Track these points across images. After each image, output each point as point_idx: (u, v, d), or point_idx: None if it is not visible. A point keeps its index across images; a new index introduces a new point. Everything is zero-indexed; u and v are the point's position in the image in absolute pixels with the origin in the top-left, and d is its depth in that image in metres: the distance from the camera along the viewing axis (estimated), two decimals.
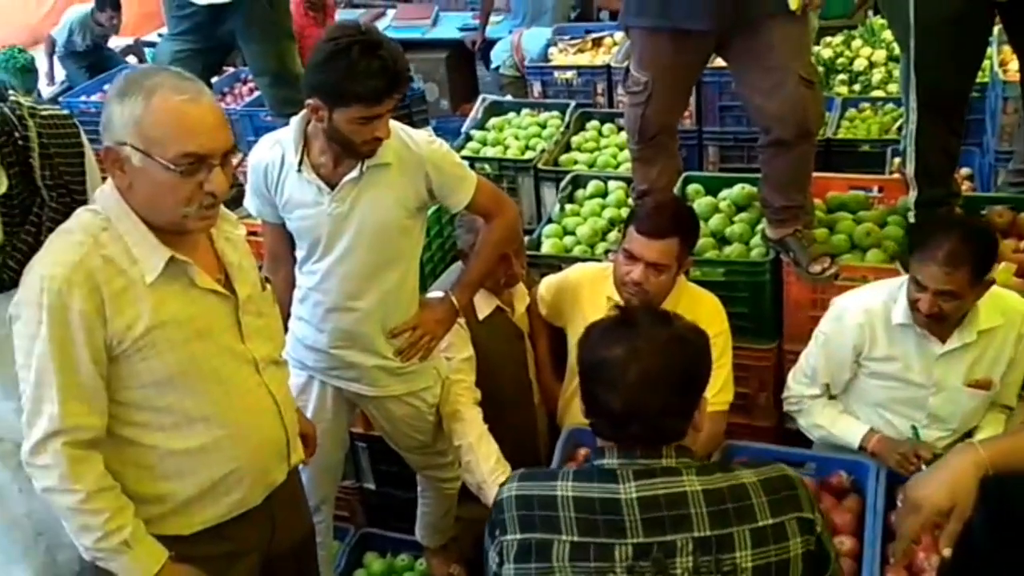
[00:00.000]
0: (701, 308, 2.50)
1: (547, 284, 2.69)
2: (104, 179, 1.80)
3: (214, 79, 4.85)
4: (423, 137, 2.22)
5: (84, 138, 1.83)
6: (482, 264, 2.39)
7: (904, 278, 2.19)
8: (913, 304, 2.12)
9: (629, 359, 1.41)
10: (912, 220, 2.67)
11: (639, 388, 1.40)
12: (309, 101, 2.05)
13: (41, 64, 5.86)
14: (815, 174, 2.97)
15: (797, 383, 2.43)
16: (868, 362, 2.28)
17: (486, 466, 2.32)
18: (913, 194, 2.65)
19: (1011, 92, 3.27)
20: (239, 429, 1.76)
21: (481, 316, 2.55)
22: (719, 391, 2.46)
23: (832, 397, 2.42)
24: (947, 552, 1.54)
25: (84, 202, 1.77)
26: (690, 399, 1.46)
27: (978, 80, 3.73)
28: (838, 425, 2.35)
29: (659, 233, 2.31)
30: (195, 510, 1.76)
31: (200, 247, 1.71)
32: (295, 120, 2.16)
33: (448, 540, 2.83)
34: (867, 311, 2.25)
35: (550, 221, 3.19)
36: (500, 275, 2.51)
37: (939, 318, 2.11)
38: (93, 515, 1.62)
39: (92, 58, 5.82)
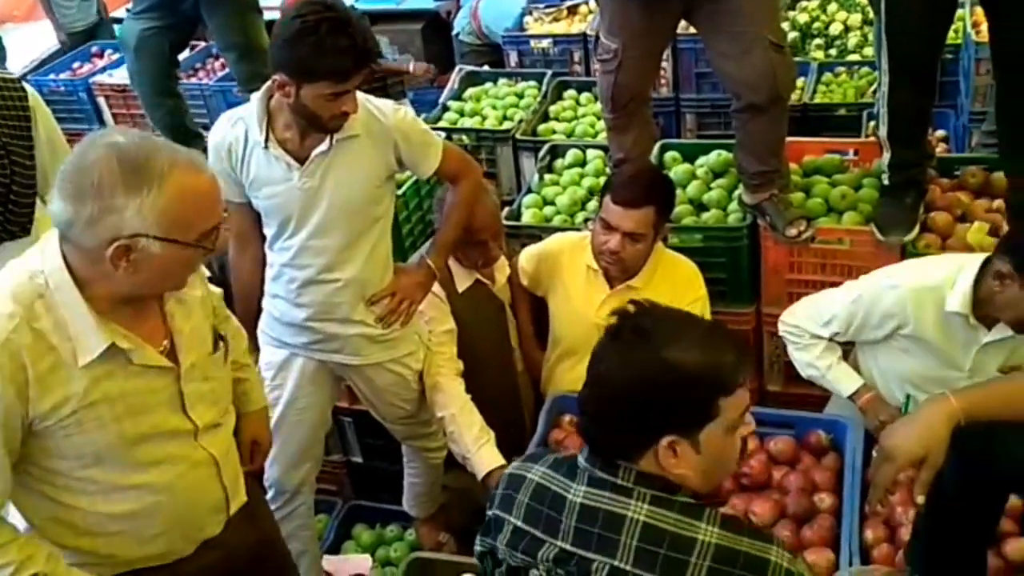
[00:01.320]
0: (678, 274, 2.53)
1: (527, 254, 2.71)
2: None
3: (184, 55, 4.80)
4: (389, 107, 2.24)
5: (38, 103, 1.78)
6: (454, 225, 2.41)
7: (964, 264, 2.10)
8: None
9: (598, 359, 1.35)
10: (886, 182, 2.69)
11: (596, 391, 1.34)
12: (275, 77, 2.05)
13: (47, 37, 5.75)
14: (791, 139, 3.00)
15: (808, 317, 2.31)
16: (904, 339, 2.20)
17: (469, 435, 2.35)
18: (886, 156, 2.66)
19: (984, 53, 3.27)
20: (172, 495, 1.68)
21: (461, 288, 2.57)
22: None
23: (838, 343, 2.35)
24: (920, 500, 1.59)
25: (28, 168, 1.72)
26: (645, 427, 1.31)
27: (952, 41, 3.77)
28: (834, 372, 2.31)
29: (635, 203, 2.32)
30: (119, 561, 1.70)
31: (147, 311, 1.61)
32: (256, 96, 2.16)
33: (436, 509, 2.86)
34: (917, 292, 2.13)
35: (529, 191, 3.21)
36: (477, 258, 2.54)
37: None
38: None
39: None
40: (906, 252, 2.62)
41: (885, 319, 2.18)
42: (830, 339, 2.31)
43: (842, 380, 2.31)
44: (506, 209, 3.06)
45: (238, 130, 2.18)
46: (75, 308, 1.49)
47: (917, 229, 2.62)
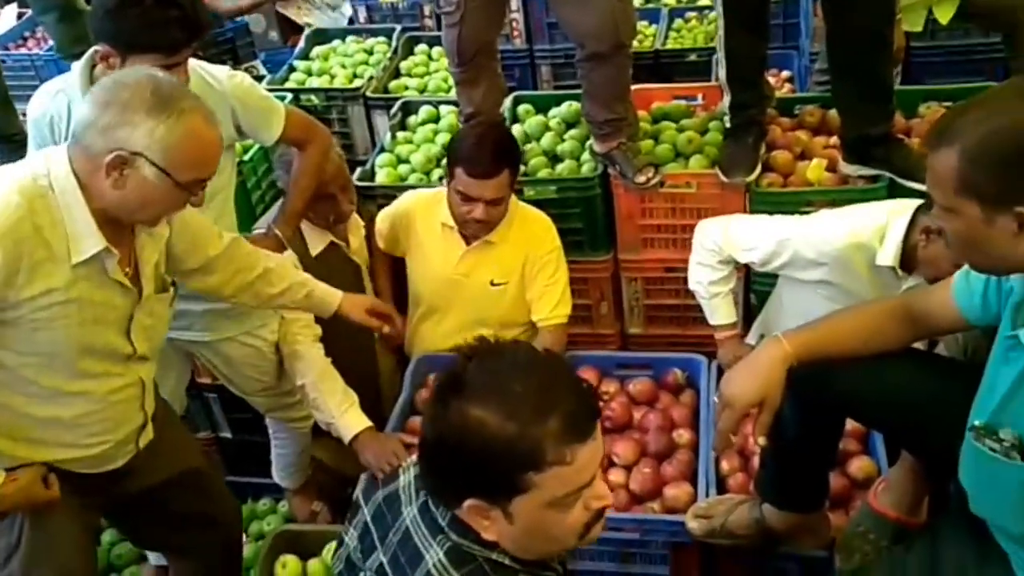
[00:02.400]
0: (534, 228, 2.56)
1: (382, 216, 2.67)
2: None
3: (12, 24, 4.49)
4: (223, 73, 2.16)
5: None
6: (302, 193, 2.36)
7: (891, 218, 2.12)
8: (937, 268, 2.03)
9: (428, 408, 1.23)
10: (728, 125, 2.75)
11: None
12: (98, 47, 1.93)
13: None
14: (639, 86, 3.04)
15: (733, 239, 2.34)
16: (831, 288, 2.27)
17: (332, 401, 2.32)
18: (727, 99, 2.73)
19: None
20: (103, 407, 1.77)
21: (315, 252, 2.52)
22: (557, 305, 2.54)
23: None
24: (762, 441, 1.65)
25: None
26: (449, 485, 1.20)
27: None
28: (716, 301, 2.39)
29: (490, 172, 2.34)
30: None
31: (120, 237, 1.69)
32: (78, 66, 2.03)
33: (307, 479, 2.82)
34: (848, 248, 2.17)
35: (383, 150, 3.14)
36: (328, 213, 2.48)
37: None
38: None
39: None
40: (750, 191, 2.70)
41: (810, 266, 2.25)
42: (746, 265, 2.38)
43: (718, 309, 2.40)
44: (359, 169, 3.01)
45: (60, 103, 2.04)
46: (78, 210, 1.59)
47: (759, 169, 2.70)
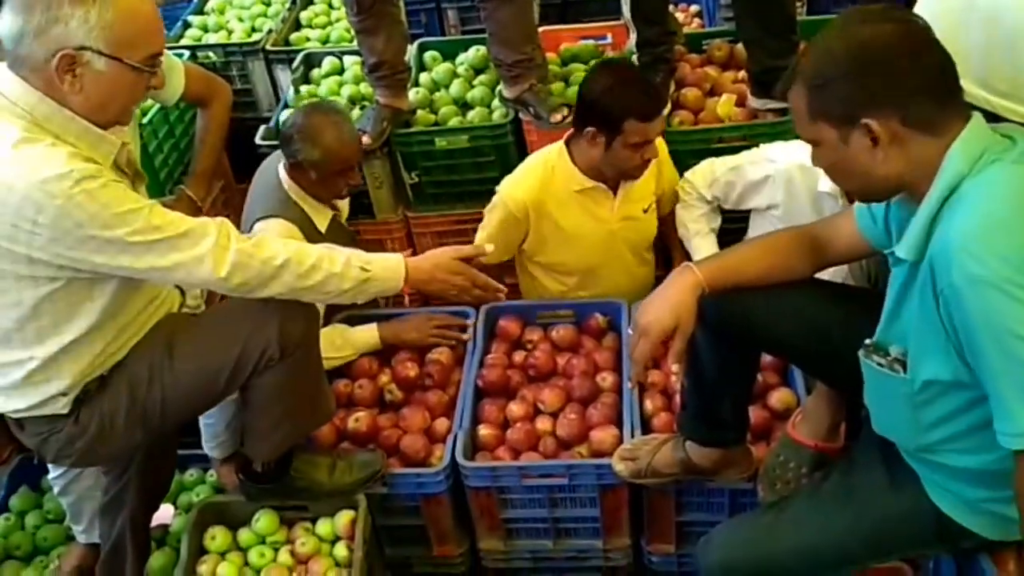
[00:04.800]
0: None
1: (485, 240, 2.49)
2: None
3: None
4: None
5: None
6: (211, 151, 2.31)
7: None
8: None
9: None
10: (636, 63, 2.73)
11: None
12: None
13: None
14: (546, 28, 2.99)
15: (702, 175, 2.46)
16: (778, 220, 2.30)
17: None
18: (633, 37, 2.71)
19: None
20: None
21: (323, 227, 2.38)
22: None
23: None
24: (676, 368, 1.67)
25: None
26: None
27: None
28: (696, 240, 2.46)
29: (659, 107, 2.35)
30: None
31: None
32: None
33: (236, 449, 2.77)
34: (790, 170, 2.25)
35: (286, 106, 3.03)
36: (343, 186, 2.36)
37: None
38: (314, 270, 1.68)
39: None
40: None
41: (761, 188, 2.32)
42: (714, 202, 2.44)
43: (700, 248, 2.43)
44: (263, 128, 2.91)
45: None
46: (89, 133, 1.55)
47: (669, 107, 2.69)
